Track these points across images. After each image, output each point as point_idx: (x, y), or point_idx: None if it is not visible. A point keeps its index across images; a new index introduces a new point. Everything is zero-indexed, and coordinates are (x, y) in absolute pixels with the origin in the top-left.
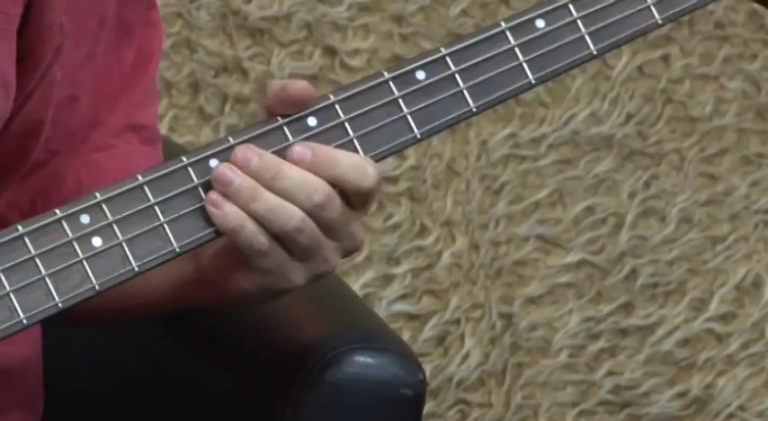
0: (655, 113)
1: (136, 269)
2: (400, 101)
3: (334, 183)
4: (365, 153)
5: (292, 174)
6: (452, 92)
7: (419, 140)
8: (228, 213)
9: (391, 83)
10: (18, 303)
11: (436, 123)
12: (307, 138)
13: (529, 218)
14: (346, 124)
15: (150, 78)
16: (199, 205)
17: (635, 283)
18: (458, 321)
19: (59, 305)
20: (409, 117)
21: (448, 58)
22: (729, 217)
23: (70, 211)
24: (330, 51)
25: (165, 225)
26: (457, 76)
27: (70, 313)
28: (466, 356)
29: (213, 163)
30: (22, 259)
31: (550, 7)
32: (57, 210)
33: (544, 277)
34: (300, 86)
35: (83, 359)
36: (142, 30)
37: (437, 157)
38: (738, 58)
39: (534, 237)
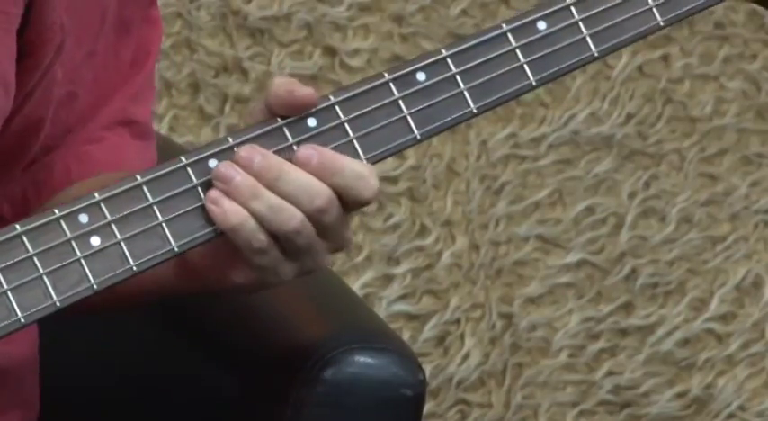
0: (655, 113)
1: (134, 268)
2: (400, 102)
3: (334, 190)
4: (365, 154)
5: (296, 177)
6: (453, 93)
7: (419, 141)
8: (228, 211)
9: (392, 84)
10: (16, 302)
11: (436, 124)
12: (307, 139)
13: (529, 218)
14: (346, 125)
15: (146, 75)
16: (198, 205)
17: (635, 283)
18: (458, 321)
19: (57, 304)
20: (409, 118)
21: (449, 60)
22: (729, 217)
23: (68, 211)
24: (330, 51)
25: (164, 224)
26: (458, 77)
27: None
28: (466, 356)
29: (212, 163)
30: (20, 258)
31: (552, 9)
32: (55, 210)
33: (544, 277)
34: (307, 93)
35: (81, 358)
36: (141, 26)
37: (437, 157)
38: (738, 58)
39: (534, 237)
